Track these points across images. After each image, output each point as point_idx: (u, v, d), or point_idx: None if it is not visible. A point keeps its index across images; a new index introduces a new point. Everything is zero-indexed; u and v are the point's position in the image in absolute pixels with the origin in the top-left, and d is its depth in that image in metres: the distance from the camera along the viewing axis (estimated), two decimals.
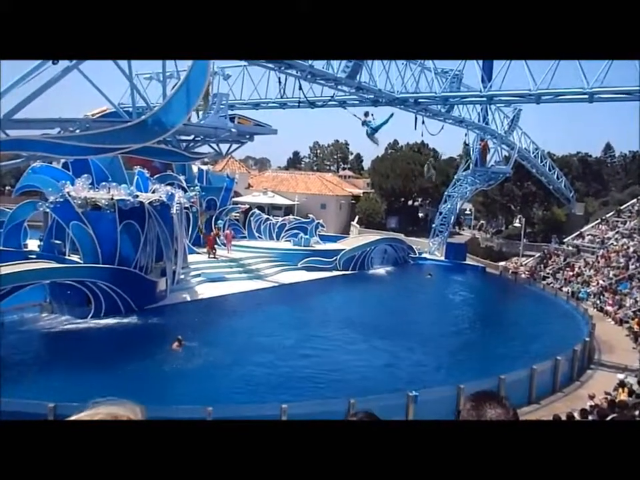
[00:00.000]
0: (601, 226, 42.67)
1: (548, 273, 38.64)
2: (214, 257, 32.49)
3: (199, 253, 32.90)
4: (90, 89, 15.92)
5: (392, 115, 24.57)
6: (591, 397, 14.14)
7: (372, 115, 24.21)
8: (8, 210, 26.15)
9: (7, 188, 52.26)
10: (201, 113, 20.78)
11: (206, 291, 27.79)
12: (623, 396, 14.53)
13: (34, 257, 22.85)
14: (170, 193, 25.74)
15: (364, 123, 24.04)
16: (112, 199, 22.42)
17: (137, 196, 23.47)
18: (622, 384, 15.25)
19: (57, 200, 21.99)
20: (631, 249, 35.52)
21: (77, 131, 15.89)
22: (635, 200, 44.61)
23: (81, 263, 22.14)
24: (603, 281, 32.84)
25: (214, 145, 20.93)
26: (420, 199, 64.15)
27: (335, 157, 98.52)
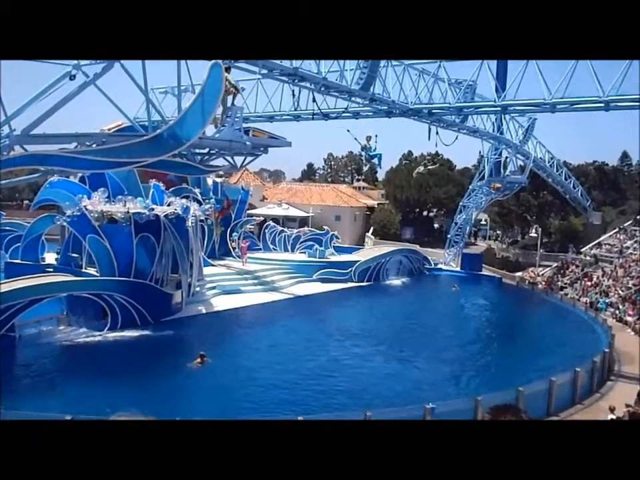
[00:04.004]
0: (619, 235, 42.20)
1: (566, 283, 38.21)
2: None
3: (214, 265, 33.02)
4: (106, 104, 16.07)
5: (380, 157, 25.28)
6: (612, 410, 13.88)
7: (375, 139, 24.64)
8: (26, 224, 26.45)
9: (25, 202, 52.91)
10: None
11: (221, 303, 27.83)
12: None
13: (51, 270, 23.06)
14: (185, 206, 25.89)
15: (363, 148, 24.33)
16: (128, 212, 22.60)
17: (153, 209, 23.63)
18: None
19: (74, 213, 22.22)
20: None
21: (94, 145, 16.05)
22: None
23: (97, 276, 22.29)
24: (622, 290, 32.39)
25: (229, 158, 21.00)
26: (435, 210, 63.89)
27: (349, 168, 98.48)
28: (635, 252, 37.62)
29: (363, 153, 24.57)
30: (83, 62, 14.56)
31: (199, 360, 18.38)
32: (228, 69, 18.19)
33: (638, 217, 43.79)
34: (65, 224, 23.02)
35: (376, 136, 24.89)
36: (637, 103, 20.18)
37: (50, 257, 26.16)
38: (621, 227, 43.29)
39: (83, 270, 23.12)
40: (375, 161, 25.38)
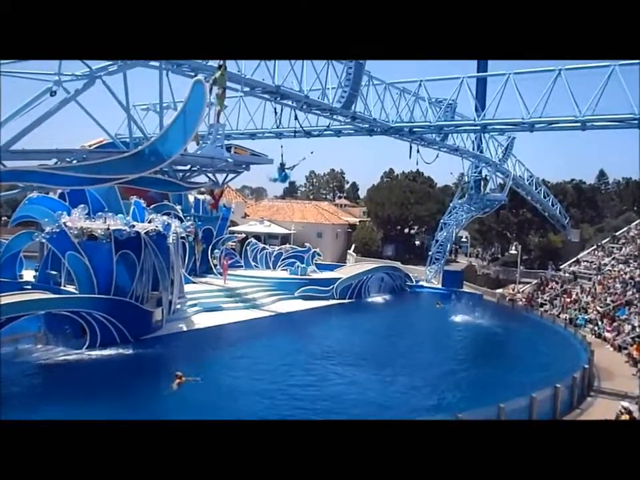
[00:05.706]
0: (597, 252, 42.75)
1: (545, 300, 38.51)
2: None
3: (195, 283, 32.81)
4: (87, 120, 16.01)
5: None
6: None
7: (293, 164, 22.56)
8: (4, 240, 26.09)
9: (4, 218, 52.20)
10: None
11: (202, 320, 27.61)
12: None
13: (29, 287, 22.71)
14: (166, 223, 25.75)
15: (281, 168, 22.26)
16: (108, 229, 22.41)
17: (133, 226, 23.47)
18: (624, 411, 15.08)
19: (53, 230, 21.97)
20: (628, 275, 35.53)
21: (74, 161, 15.95)
22: (629, 226, 44.81)
23: (76, 294, 22.01)
24: (601, 307, 32.75)
25: (210, 175, 21.00)
26: (416, 227, 64.31)
27: (331, 185, 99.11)
28: (613, 269, 38.13)
29: (277, 176, 22.83)
30: (64, 78, 14.53)
31: (178, 381, 18.06)
32: (220, 67, 17.45)
33: (615, 234, 44.46)
34: (43, 241, 22.77)
35: (304, 157, 22.95)
36: (612, 123, 20.62)
37: (28, 274, 25.80)
38: (599, 244, 43.89)
39: (62, 287, 22.82)
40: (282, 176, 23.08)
